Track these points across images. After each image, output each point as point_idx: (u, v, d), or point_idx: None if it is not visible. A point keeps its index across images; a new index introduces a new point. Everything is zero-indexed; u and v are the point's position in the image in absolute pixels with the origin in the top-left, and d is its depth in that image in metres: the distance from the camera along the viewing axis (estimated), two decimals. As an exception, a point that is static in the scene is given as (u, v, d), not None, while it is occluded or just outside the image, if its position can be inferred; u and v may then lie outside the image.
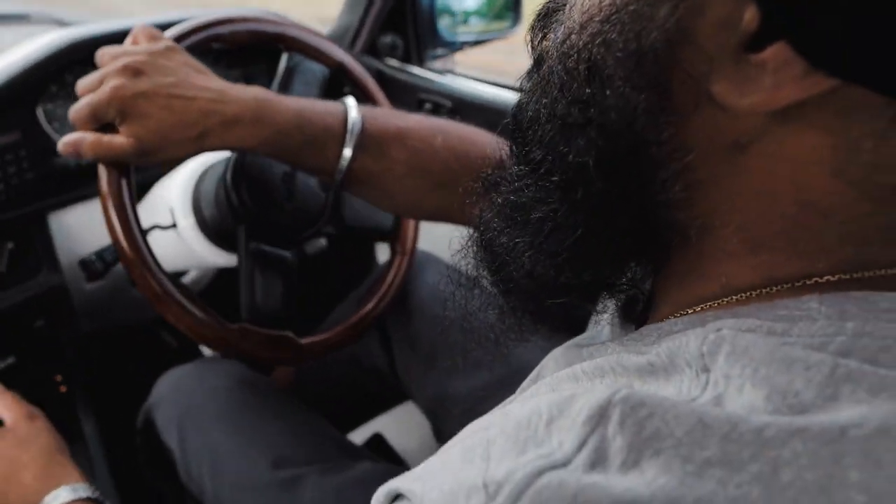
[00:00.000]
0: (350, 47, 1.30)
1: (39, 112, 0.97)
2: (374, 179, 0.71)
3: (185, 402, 0.87)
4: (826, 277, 0.29)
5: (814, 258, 0.29)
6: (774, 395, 0.25)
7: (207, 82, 0.67)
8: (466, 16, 1.32)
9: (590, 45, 0.31)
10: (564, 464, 0.25)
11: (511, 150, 0.40)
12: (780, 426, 0.24)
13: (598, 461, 0.25)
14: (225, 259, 0.92)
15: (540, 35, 0.38)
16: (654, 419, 0.25)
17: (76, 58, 0.95)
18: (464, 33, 1.32)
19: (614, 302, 0.44)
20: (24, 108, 0.94)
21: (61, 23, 1.26)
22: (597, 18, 0.31)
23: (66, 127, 1.00)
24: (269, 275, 0.83)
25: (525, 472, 0.25)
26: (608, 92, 0.31)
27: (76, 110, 0.67)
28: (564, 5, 0.35)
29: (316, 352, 0.85)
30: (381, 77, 1.28)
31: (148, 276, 0.71)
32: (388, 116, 0.74)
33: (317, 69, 0.87)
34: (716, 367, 0.27)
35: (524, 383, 0.43)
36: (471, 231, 0.44)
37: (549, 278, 0.37)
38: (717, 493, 0.23)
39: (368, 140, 0.69)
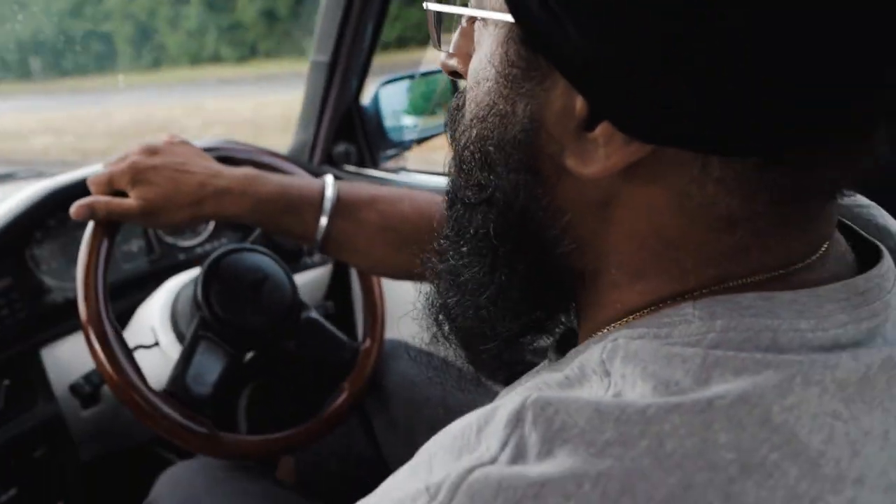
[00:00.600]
0: (309, 160, 1.42)
1: (27, 257, 1.06)
2: (349, 241, 0.82)
3: (184, 498, 0.90)
4: (699, 292, 0.36)
5: (684, 279, 0.36)
6: (660, 385, 0.30)
7: (209, 163, 0.82)
8: (410, 115, 1.45)
9: (476, 139, 0.39)
10: (491, 461, 0.29)
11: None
12: (660, 405, 0.29)
13: (518, 455, 0.29)
14: None
15: (451, 129, 0.46)
16: (560, 414, 0.29)
17: (56, 204, 1.05)
18: (410, 132, 1.44)
19: (551, 340, 0.50)
20: (13, 255, 1.03)
21: (43, 175, 1.37)
22: (478, 117, 0.39)
23: (55, 268, 1.09)
24: (210, 360, 0.87)
25: (458, 472, 0.29)
26: (493, 176, 0.39)
27: (96, 177, 0.80)
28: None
29: (231, 452, 0.85)
30: (340, 183, 1.39)
31: (132, 393, 0.78)
32: (361, 186, 0.86)
33: None
34: (614, 369, 0.32)
35: None
36: (426, 292, 0.51)
37: (484, 329, 0.45)
38: (614, 467, 0.27)
39: (343, 206, 0.81)
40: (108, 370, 0.77)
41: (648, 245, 0.36)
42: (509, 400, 0.32)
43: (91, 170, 1.10)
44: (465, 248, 0.43)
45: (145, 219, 0.79)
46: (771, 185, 0.32)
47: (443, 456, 0.32)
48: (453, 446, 0.32)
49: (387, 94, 1.41)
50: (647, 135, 0.31)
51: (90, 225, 0.82)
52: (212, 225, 1.30)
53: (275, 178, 0.81)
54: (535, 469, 0.28)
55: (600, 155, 0.33)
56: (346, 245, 0.82)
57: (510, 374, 0.49)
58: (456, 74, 0.46)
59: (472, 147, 0.40)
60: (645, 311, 0.37)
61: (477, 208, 0.41)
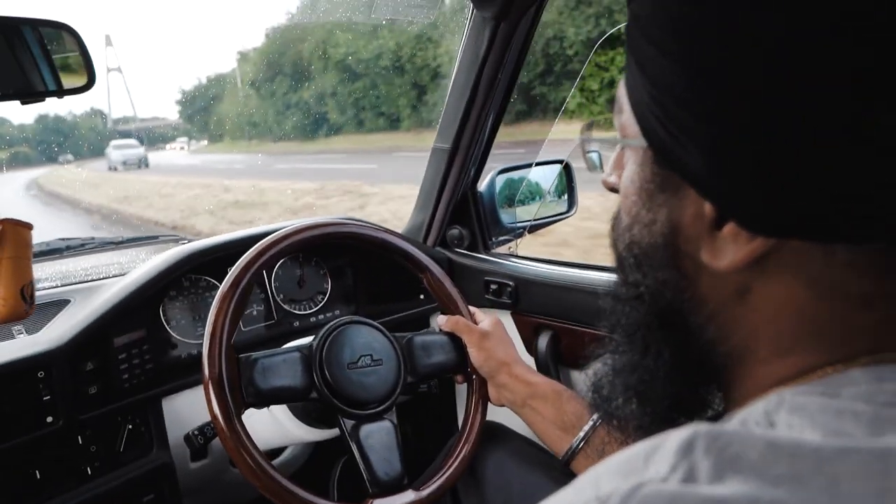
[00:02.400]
0: (423, 241, 1.48)
1: (161, 312, 1.16)
2: None
3: None
4: (859, 360, 0.37)
5: (833, 351, 0.38)
6: (830, 434, 0.31)
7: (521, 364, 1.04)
8: (524, 204, 1.48)
9: (629, 244, 0.45)
10: (662, 480, 0.30)
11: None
12: (835, 446, 0.30)
13: (689, 478, 0.30)
14: (316, 435, 1.03)
15: (612, 236, 0.51)
16: (733, 446, 0.30)
17: (189, 267, 1.15)
18: (524, 220, 1.47)
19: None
20: (149, 309, 1.13)
21: (182, 240, 1.51)
22: (629, 225, 0.45)
23: (182, 324, 1.19)
24: (378, 447, 0.92)
25: (629, 486, 0.30)
26: (642, 275, 0.45)
27: (466, 322, 1.06)
28: None
29: (436, 497, 0.92)
30: (450, 264, 1.43)
31: (242, 451, 0.82)
32: None
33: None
34: (779, 419, 0.33)
35: None
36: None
37: (633, 407, 0.49)
38: (788, 498, 0.28)
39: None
40: (223, 427, 0.82)
41: (791, 325, 0.39)
42: (676, 433, 0.33)
43: (225, 238, 1.21)
44: (619, 337, 0.49)
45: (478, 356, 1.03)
46: None
47: (608, 476, 0.33)
48: (619, 469, 0.33)
49: (502, 181, 1.46)
50: (767, 230, 0.36)
51: (222, 287, 0.89)
52: (326, 296, 1.37)
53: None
54: (708, 490, 0.29)
55: (730, 250, 0.38)
56: None
57: None
58: (615, 189, 0.51)
59: (626, 251, 0.46)
60: (798, 378, 0.38)
61: (631, 303, 0.47)
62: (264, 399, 0.89)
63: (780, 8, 0.31)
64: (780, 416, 0.34)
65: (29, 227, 0.77)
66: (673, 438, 0.33)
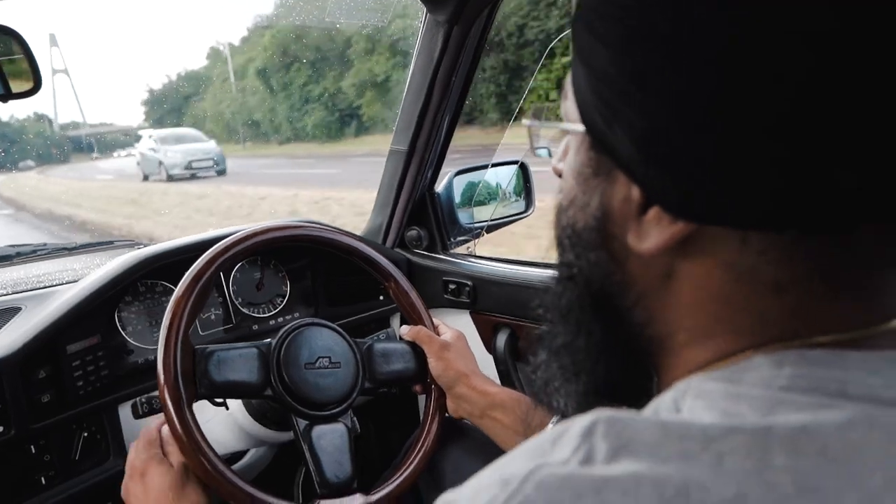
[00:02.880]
0: (382, 242, 1.49)
1: (116, 318, 1.15)
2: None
3: None
4: (768, 346, 0.39)
5: (750, 337, 0.39)
6: (723, 415, 0.33)
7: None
8: (480, 205, 1.50)
9: (566, 226, 0.46)
10: (562, 463, 0.33)
11: None
12: (722, 425, 0.32)
13: (586, 460, 0.32)
14: (272, 436, 1.03)
15: (554, 218, 0.53)
16: (628, 430, 0.33)
17: (144, 272, 1.14)
18: (481, 220, 1.49)
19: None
20: (103, 315, 1.12)
21: (137, 244, 1.49)
22: (566, 207, 0.46)
23: (139, 330, 1.17)
24: (330, 449, 0.92)
25: (531, 467, 0.33)
26: (574, 256, 0.46)
27: (427, 332, 1.08)
28: None
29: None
30: (410, 265, 1.44)
31: (199, 456, 0.82)
32: None
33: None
34: (684, 406, 0.36)
35: None
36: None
37: (577, 388, 0.51)
38: (673, 474, 0.30)
39: None
40: (179, 431, 0.82)
41: (710, 309, 0.40)
42: (580, 418, 0.35)
43: (180, 242, 1.20)
44: (555, 317, 0.51)
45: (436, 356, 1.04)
46: (813, 255, 0.36)
47: (518, 458, 0.36)
48: (528, 452, 0.35)
49: (459, 182, 1.48)
50: (687, 215, 0.37)
51: (177, 290, 0.89)
52: (285, 299, 1.37)
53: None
54: (601, 470, 0.31)
55: (653, 234, 0.39)
56: None
57: None
58: (561, 175, 0.53)
59: (561, 233, 0.48)
60: (711, 365, 0.40)
61: (564, 283, 0.48)
62: (218, 391, 0.89)
63: (715, 18, 0.33)
64: (686, 402, 0.36)
65: None
66: (577, 423, 0.35)
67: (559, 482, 0.32)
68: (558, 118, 0.50)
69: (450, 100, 1.28)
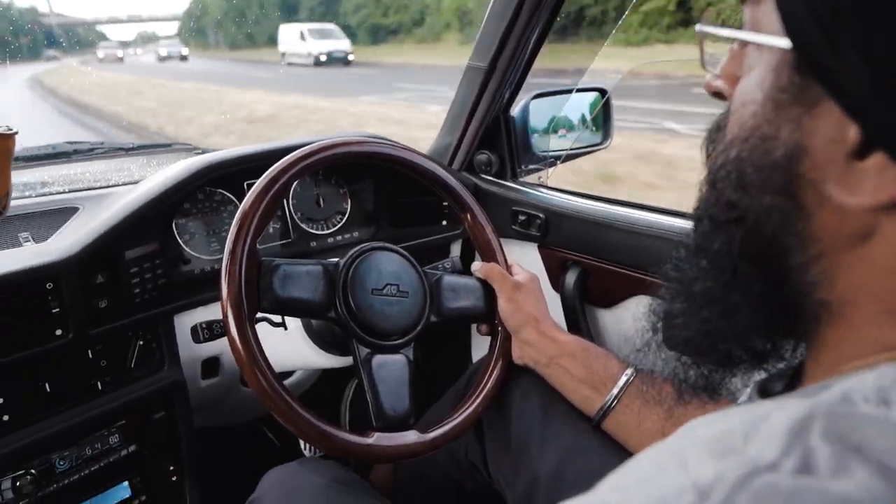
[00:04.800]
0: (449, 164, 1.40)
1: (174, 226, 1.10)
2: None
3: (287, 499, 0.91)
4: None
5: None
6: None
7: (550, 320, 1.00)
8: (558, 130, 1.40)
9: (735, 160, 0.39)
10: (770, 468, 0.26)
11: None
12: None
13: (805, 467, 0.26)
14: (330, 361, 0.98)
15: (711, 146, 0.46)
16: (857, 432, 0.27)
17: (206, 180, 1.08)
18: (556, 149, 1.39)
19: (755, 379, 0.48)
20: (162, 222, 1.07)
21: (195, 150, 1.44)
22: (740, 138, 0.39)
23: (196, 239, 1.13)
24: (390, 380, 0.88)
25: (736, 474, 0.26)
26: (746, 196, 0.39)
27: (499, 269, 1.01)
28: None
29: (439, 444, 0.88)
30: (477, 191, 1.36)
31: (257, 372, 0.78)
32: None
33: None
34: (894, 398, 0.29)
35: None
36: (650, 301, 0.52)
37: (703, 344, 0.45)
38: None
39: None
40: (238, 344, 0.78)
41: None
42: (780, 408, 0.29)
43: (243, 150, 1.13)
44: (703, 262, 0.44)
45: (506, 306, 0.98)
46: None
47: (699, 454, 0.29)
48: (711, 448, 0.29)
49: (537, 107, 1.37)
50: None
51: (248, 197, 0.83)
52: (345, 217, 1.31)
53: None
54: (832, 486, 0.25)
55: (869, 186, 0.32)
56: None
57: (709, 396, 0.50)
58: (719, 96, 0.45)
59: (728, 167, 0.40)
60: None
61: (724, 226, 0.41)
62: (280, 307, 0.84)
63: None
64: None
65: (9, 136, 0.70)
66: (779, 416, 0.28)
67: (784, 497, 0.25)
68: (737, 27, 0.41)
69: (541, 14, 1.16)
